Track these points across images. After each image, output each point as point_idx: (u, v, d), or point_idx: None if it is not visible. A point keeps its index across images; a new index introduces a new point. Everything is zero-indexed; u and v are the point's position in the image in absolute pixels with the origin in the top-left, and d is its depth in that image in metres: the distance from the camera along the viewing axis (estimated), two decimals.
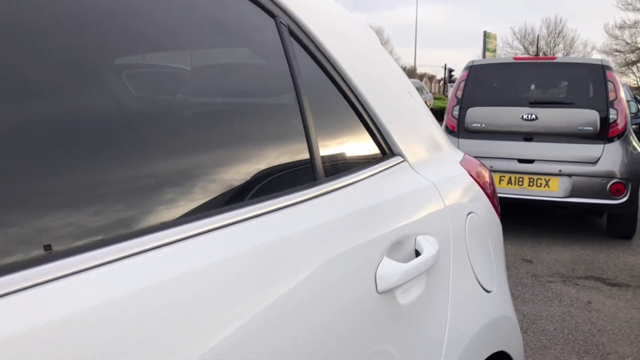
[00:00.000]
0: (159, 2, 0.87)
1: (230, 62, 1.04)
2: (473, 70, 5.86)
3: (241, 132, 0.94)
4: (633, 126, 8.15)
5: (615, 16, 57.07)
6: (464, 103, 5.69)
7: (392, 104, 1.26)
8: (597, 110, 5.29)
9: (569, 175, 5.18)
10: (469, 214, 1.31)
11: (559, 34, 52.00)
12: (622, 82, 26.31)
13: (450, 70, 25.14)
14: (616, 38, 43.05)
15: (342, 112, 1.12)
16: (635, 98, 17.40)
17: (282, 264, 0.82)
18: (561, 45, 51.65)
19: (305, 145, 0.98)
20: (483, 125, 5.56)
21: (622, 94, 5.61)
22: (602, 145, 5.24)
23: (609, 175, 5.13)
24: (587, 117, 5.30)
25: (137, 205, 0.72)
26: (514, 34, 51.78)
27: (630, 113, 11.75)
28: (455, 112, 5.72)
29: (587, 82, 5.65)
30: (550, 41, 52.14)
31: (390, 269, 0.95)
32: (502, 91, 5.86)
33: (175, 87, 0.95)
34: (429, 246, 1.06)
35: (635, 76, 44.65)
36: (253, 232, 0.81)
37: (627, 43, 42.63)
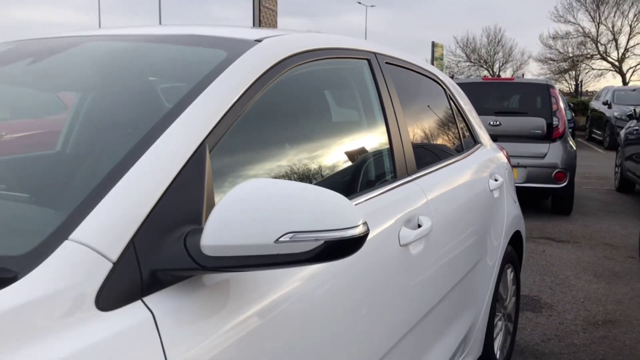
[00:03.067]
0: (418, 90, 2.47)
1: (434, 108, 2.64)
2: None
3: (443, 130, 2.55)
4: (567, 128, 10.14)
5: (549, 27, 60.42)
6: None
7: (474, 118, 2.91)
8: (544, 118, 7.11)
9: (525, 166, 6.95)
10: (506, 169, 2.97)
11: (498, 42, 54.20)
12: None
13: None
14: (550, 47, 44.54)
15: (463, 124, 2.76)
16: (569, 105, 19.70)
17: (464, 178, 2.42)
18: (500, 54, 53.84)
19: (460, 138, 2.61)
20: None
21: (562, 105, 7.47)
22: (548, 144, 7.05)
23: (553, 166, 6.94)
24: (537, 123, 7.10)
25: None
26: (457, 43, 53.91)
27: (568, 119, 14.04)
28: None
29: (536, 97, 7.48)
30: (491, 49, 54.50)
31: (493, 184, 2.60)
32: (472, 103, 7.58)
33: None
34: (500, 179, 2.72)
35: (568, 83, 47.45)
36: (464, 164, 2.41)
37: (560, 52, 44.36)
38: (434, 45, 35.00)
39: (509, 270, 2.96)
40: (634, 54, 41.02)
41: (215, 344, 1.00)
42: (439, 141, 2.50)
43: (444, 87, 2.66)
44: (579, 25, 42.24)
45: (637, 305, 4.09)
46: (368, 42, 2.00)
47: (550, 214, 7.33)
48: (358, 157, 1.76)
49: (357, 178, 1.70)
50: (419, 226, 1.77)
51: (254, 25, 15.79)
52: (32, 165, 1.30)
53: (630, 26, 40.62)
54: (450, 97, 2.69)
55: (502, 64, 53.29)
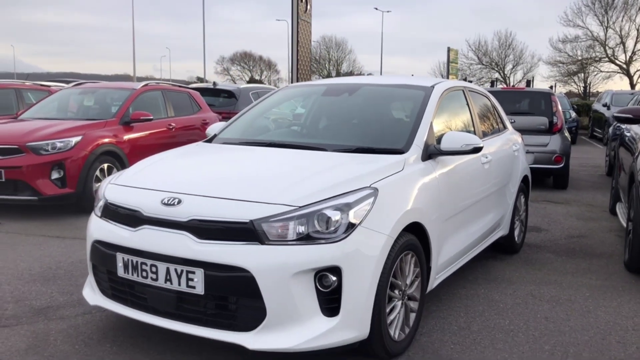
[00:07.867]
0: None
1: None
2: None
3: (490, 120, 5.17)
4: (570, 126, 12.71)
5: (558, 31, 61.56)
6: None
7: (503, 115, 5.54)
8: (547, 117, 9.69)
9: (533, 152, 9.50)
10: (520, 142, 5.59)
11: (509, 46, 54.70)
12: (563, 93, 30.78)
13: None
14: (560, 51, 45.59)
15: (498, 118, 5.38)
16: (574, 107, 22.11)
17: (503, 144, 5.02)
18: (511, 57, 54.04)
19: (498, 125, 5.25)
20: None
21: (560, 107, 10.06)
22: (550, 136, 9.62)
23: (553, 152, 9.51)
24: (541, 121, 9.68)
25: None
26: (469, 46, 55.29)
27: (568, 118, 16.89)
28: None
29: (541, 101, 10.07)
30: (502, 52, 55.39)
31: (514, 148, 5.23)
32: None
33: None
34: (517, 147, 5.36)
35: (577, 85, 48.78)
36: (500, 138, 5.03)
37: (569, 56, 45.46)
38: (449, 50, 37.68)
39: (521, 196, 5.58)
40: None
41: (441, 174, 3.68)
42: (490, 126, 5.11)
43: (489, 98, 5.29)
44: (588, 29, 43.31)
45: (600, 230, 6.68)
46: (461, 82, 4.67)
47: (551, 188, 9.91)
48: (466, 128, 4.42)
49: None
50: (486, 158, 4.40)
51: (292, 33, 18.62)
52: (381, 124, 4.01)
53: (638, 30, 41.75)
54: (493, 104, 5.32)
55: (513, 67, 54.97)
